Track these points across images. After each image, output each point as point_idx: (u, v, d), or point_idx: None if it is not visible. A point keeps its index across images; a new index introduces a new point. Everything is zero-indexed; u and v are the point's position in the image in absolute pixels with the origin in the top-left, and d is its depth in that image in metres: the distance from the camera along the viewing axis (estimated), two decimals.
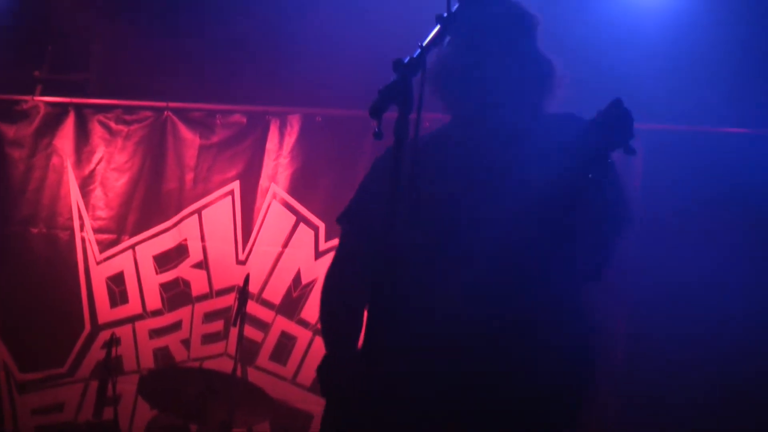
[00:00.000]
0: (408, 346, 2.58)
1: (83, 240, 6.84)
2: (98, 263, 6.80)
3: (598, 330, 2.75)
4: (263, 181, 6.68)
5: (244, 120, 6.90)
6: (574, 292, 2.72)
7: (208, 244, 6.66)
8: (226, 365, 5.85)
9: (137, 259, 6.74)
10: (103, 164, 7.00)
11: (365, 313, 2.71)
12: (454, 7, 2.48)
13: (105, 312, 6.69)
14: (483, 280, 2.57)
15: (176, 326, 6.56)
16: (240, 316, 5.33)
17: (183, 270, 6.65)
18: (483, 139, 2.83)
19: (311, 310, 6.32)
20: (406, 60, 2.29)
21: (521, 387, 2.57)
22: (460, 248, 2.64)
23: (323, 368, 2.78)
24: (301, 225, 6.54)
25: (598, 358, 2.71)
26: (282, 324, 6.38)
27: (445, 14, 2.44)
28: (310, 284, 6.40)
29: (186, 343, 6.52)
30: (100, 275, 6.78)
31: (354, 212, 2.97)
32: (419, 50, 2.33)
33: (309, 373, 6.21)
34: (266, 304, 6.42)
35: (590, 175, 2.46)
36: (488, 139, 2.82)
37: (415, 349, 2.59)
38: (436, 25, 2.42)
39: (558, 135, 2.66)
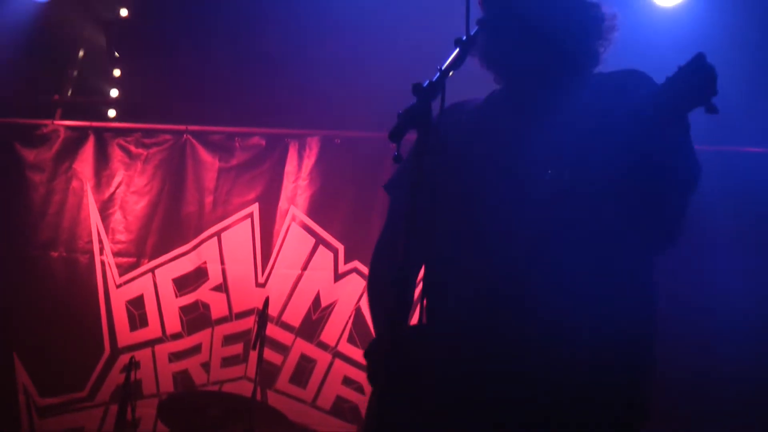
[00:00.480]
0: (462, 328, 2.50)
1: (103, 263, 6.87)
2: (118, 286, 6.82)
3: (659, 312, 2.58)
4: (282, 204, 6.71)
5: (263, 142, 6.95)
6: (645, 269, 2.59)
7: (227, 266, 6.69)
8: (245, 388, 5.84)
9: (157, 283, 6.77)
10: (122, 188, 7.05)
11: (418, 288, 2.67)
12: (473, 30, 2.46)
13: (125, 335, 6.70)
14: (541, 255, 2.46)
15: (196, 349, 6.57)
16: (259, 338, 5.34)
17: (202, 293, 6.68)
18: (539, 105, 2.74)
19: (331, 332, 6.35)
20: (426, 84, 2.27)
21: (575, 371, 2.41)
22: (518, 225, 2.51)
23: (372, 352, 2.69)
24: (321, 247, 6.56)
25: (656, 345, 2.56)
26: (301, 347, 6.39)
27: (464, 38, 2.42)
28: (330, 306, 6.41)
29: (206, 366, 6.53)
30: (119, 299, 6.80)
31: (400, 178, 2.89)
32: (438, 74, 2.31)
33: (328, 396, 6.24)
34: (286, 326, 6.43)
35: (666, 134, 2.34)
36: (545, 103, 2.73)
37: (469, 330, 2.49)
38: (455, 48, 2.39)
39: (622, 92, 2.56)
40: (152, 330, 6.70)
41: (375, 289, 2.93)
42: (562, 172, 2.48)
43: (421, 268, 2.71)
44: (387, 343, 2.35)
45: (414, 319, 2.57)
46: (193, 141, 7.05)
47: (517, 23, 2.67)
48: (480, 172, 2.68)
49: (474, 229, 2.61)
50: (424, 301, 2.59)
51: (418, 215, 2.18)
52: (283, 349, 6.40)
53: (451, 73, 2.35)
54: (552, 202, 2.47)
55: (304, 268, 6.54)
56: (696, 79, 2.24)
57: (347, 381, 6.27)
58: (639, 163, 2.38)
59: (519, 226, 2.50)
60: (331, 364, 6.30)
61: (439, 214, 2.59)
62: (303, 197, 6.69)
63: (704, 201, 5.67)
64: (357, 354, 6.22)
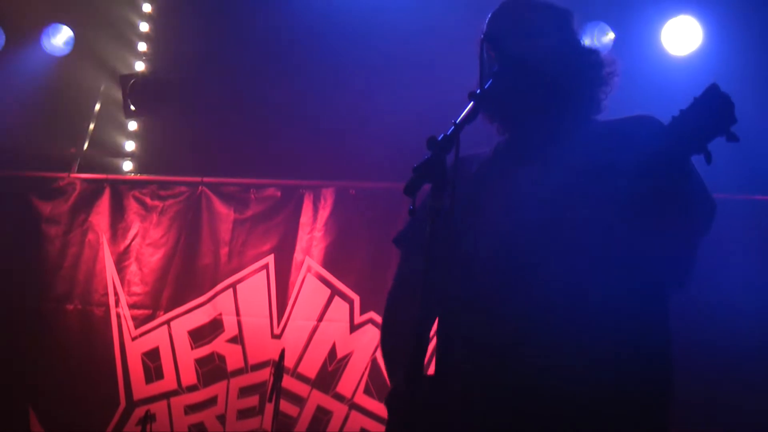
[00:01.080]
0: (478, 372, 2.53)
1: (118, 316, 6.91)
2: (133, 339, 6.86)
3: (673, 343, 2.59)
4: (298, 255, 6.76)
5: (278, 194, 7.02)
6: (658, 304, 2.59)
7: (243, 318, 6.73)
8: None
9: (172, 335, 6.81)
10: (138, 240, 7.10)
11: (431, 338, 2.70)
12: (487, 84, 2.51)
13: (140, 388, 6.73)
14: (555, 296, 2.49)
15: (212, 402, 6.59)
16: (275, 390, 5.38)
17: (218, 345, 6.71)
18: (540, 152, 2.77)
19: (347, 383, 6.35)
20: (440, 138, 2.29)
21: (595, 411, 2.44)
22: (530, 265, 2.54)
23: (391, 399, 2.71)
24: (336, 298, 6.59)
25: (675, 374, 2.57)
26: (318, 398, 6.40)
27: (478, 91, 2.46)
28: (346, 357, 6.43)
29: (221, 418, 6.54)
30: (135, 351, 6.83)
31: (410, 231, 2.93)
32: (453, 127, 2.34)
33: None
34: (302, 378, 6.45)
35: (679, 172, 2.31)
36: (546, 150, 2.76)
37: (486, 373, 2.52)
38: (470, 102, 2.42)
39: (631, 137, 2.54)
40: (168, 382, 6.72)
41: (389, 340, 2.92)
42: (563, 210, 2.54)
43: (435, 320, 2.73)
44: (405, 394, 2.38)
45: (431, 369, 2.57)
46: (209, 193, 7.12)
47: (515, 71, 2.67)
48: (482, 221, 2.70)
49: (477, 278, 2.63)
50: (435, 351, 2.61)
51: (431, 271, 2.21)
52: (299, 400, 6.41)
53: (465, 127, 2.37)
54: (555, 238, 2.52)
55: (320, 319, 6.57)
56: (714, 108, 2.21)
57: None
58: (647, 201, 2.38)
59: (543, 264, 2.53)
60: (347, 416, 6.30)
61: (449, 266, 2.56)
62: (318, 248, 6.73)
63: (736, 249, 5.78)
64: (373, 405, 6.22)
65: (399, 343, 2.78)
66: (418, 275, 2.50)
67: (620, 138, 2.61)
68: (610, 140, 2.65)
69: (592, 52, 2.89)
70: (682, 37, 6.57)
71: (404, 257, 3.01)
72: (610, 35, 6.53)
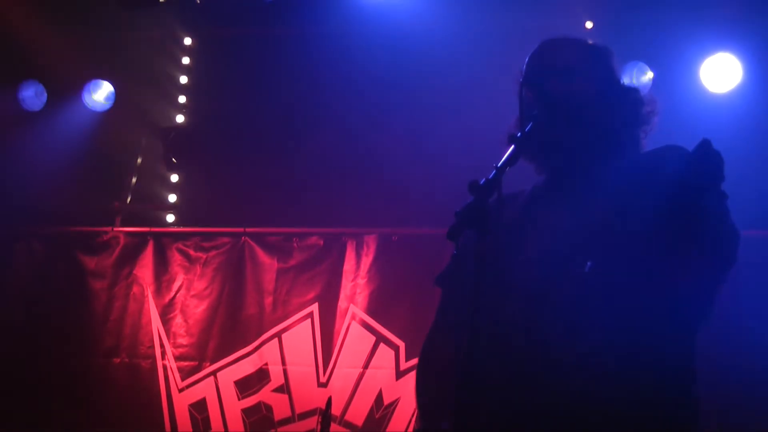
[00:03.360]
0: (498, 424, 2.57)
1: (165, 368, 7.06)
2: (180, 390, 7.00)
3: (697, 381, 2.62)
4: (342, 303, 6.90)
5: (321, 242, 7.16)
6: (684, 341, 2.62)
7: (289, 367, 6.86)
8: None
9: (219, 385, 6.94)
10: (182, 292, 7.27)
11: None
12: (527, 127, 2.57)
13: None
14: (581, 340, 2.52)
15: None
16: None
17: (264, 394, 6.84)
18: (577, 192, 2.80)
19: (395, 430, 6.45)
20: (482, 182, 2.33)
21: None
22: (559, 307, 2.58)
23: None
24: (381, 345, 6.72)
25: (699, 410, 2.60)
26: None
27: (519, 134, 2.52)
28: (393, 404, 6.54)
29: None
30: (182, 403, 6.97)
31: (451, 270, 2.98)
32: (494, 171, 2.39)
33: None
34: (349, 425, 6.56)
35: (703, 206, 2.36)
36: (583, 189, 2.79)
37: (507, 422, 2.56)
38: (510, 144, 2.48)
39: (657, 170, 2.59)
40: None
41: (423, 380, 2.96)
42: (597, 263, 2.56)
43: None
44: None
45: None
46: (252, 243, 7.27)
47: (555, 114, 2.73)
48: (518, 264, 2.73)
49: (508, 323, 2.64)
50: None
51: (477, 313, 2.27)
52: None
53: (506, 170, 2.42)
54: (590, 295, 2.55)
55: (366, 366, 6.69)
56: (705, 166, 2.31)
57: None
58: (673, 238, 2.43)
59: (554, 320, 2.57)
60: None
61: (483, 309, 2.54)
62: (362, 295, 6.86)
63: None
64: None
65: (432, 383, 2.86)
66: (456, 317, 2.68)
67: (647, 173, 2.64)
68: (640, 176, 2.67)
69: (631, 91, 2.93)
70: (721, 74, 6.67)
71: (444, 295, 3.05)
72: (649, 74, 6.66)
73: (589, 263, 2.56)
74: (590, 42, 3.04)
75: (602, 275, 2.55)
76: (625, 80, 3.00)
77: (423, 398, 2.93)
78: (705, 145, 2.33)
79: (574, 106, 2.78)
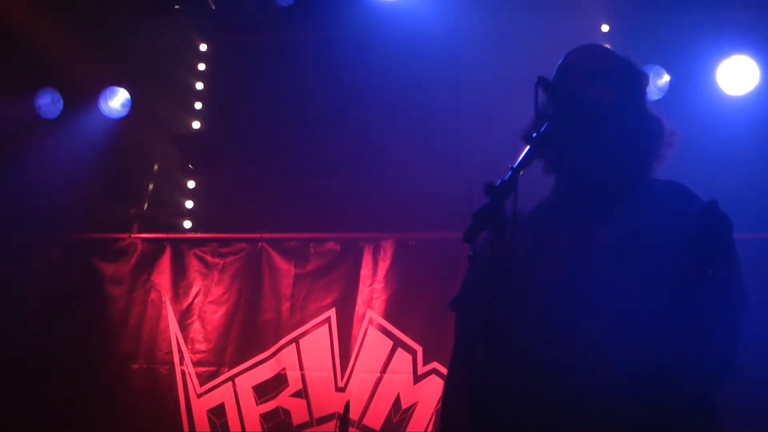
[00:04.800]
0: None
1: (183, 373, 7.15)
2: (199, 396, 7.09)
3: None
4: (359, 308, 6.97)
5: (338, 247, 7.24)
6: (705, 393, 2.64)
7: (306, 372, 6.94)
8: None
9: (237, 391, 7.03)
10: (200, 297, 7.35)
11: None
12: (543, 128, 2.56)
13: None
14: (599, 375, 2.53)
15: None
16: None
17: (282, 399, 6.92)
18: (599, 209, 2.82)
19: None
20: (498, 183, 2.34)
21: None
22: (572, 339, 2.60)
23: None
24: (399, 350, 6.79)
25: None
26: None
27: (535, 135, 2.51)
28: (410, 408, 6.61)
29: None
30: (201, 408, 7.06)
31: (466, 296, 2.98)
32: (510, 173, 2.39)
33: None
34: (367, 430, 6.62)
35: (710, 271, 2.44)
36: (600, 209, 2.81)
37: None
38: (526, 146, 2.48)
39: (670, 205, 2.70)
40: None
41: (443, 419, 2.97)
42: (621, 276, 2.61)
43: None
44: None
45: None
46: (269, 249, 7.35)
47: (580, 123, 2.73)
48: (539, 295, 2.74)
49: (530, 357, 2.66)
50: None
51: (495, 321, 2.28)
52: None
53: (522, 172, 2.42)
54: (602, 304, 2.60)
55: (383, 370, 6.76)
56: (713, 232, 2.42)
57: None
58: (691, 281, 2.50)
59: (586, 340, 2.59)
60: None
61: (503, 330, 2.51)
62: (379, 300, 6.93)
63: None
64: None
65: (457, 405, 2.87)
66: (476, 332, 2.55)
67: (663, 205, 2.75)
68: (655, 204, 2.76)
69: (655, 120, 2.92)
70: (738, 76, 6.71)
71: (459, 319, 3.04)
72: (666, 78, 6.73)
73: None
74: (630, 60, 3.02)
75: (623, 304, 2.59)
76: (651, 109, 2.99)
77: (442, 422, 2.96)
78: (712, 209, 2.42)
79: (599, 110, 2.79)
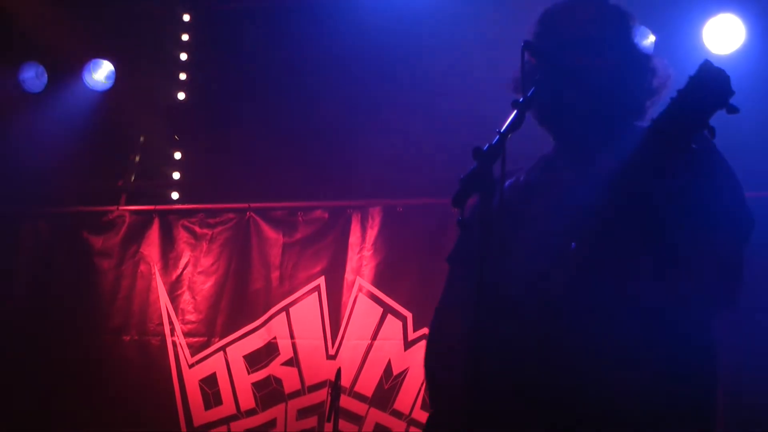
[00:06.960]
0: (508, 404, 2.56)
1: (174, 344, 7.22)
2: (190, 366, 7.16)
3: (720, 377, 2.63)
4: (348, 275, 7.02)
5: (326, 215, 7.29)
6: (698, 329, 2.60)
7: (297, 340, 7.00)
8: None
9: (228, 360, 7.10)
10: (189, 268, 7.42)
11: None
12: (530, 92, 2.58)
13: (200, 414, 7.03)
14: (586, 322, 2.50)
15: (271, 424, 6.87)
16: (333, 410, 5.63)
17: (274, 368, 6.99)
18: (593, 161, 2.79)
19: (404, 400, 6.60)
20: (486, 147, 2.38)
21: None
22: (560, 290, 2.55)
23: (429, 426, 2.84)
24: (389, 316, 6.84)
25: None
26: (376, 416, 6.65)
27: (521, 99, 2.54)
28: (402, 374, 6.67)
29: None
30: (192, 378, 7.14)
31: (461, 251, 3.00)
32: (498, 137, 2.42)
33: None
34: (359, 397, 6.70)
35: (694, 146, 2.36)
36: (596, 160, 2.78)
37: (515, 405, 2.55)
38: (513, 110, 2.51)
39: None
40: (226, 408, 7.00)
41: (433, 362, 2.96)
42: (584, 244, 2.53)
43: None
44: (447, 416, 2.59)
45: None
46: (257, 218, 7.41)
47: (568, 78, 2.75)
48: (522, 239, 2.74)
49: (506, 301, 2.62)
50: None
51: (485, 284, 2.28)
52: (357, 419, 6.65)
53: (510, 136, 2.44)
54: (579, 274, 2.53)
55: (374, 337, 6.81)
56: (710, 83, 2.32)
57: None
58: (675, 215, 2.47)
59: (551, 299, 2.55)
60: None
61: (500, 279, 2.53)
62: (368, 267, 6.98)
63: None
64: None
65: (441, 363, 2.88)
66: (466, 293, 2.53)
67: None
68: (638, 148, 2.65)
69: (645, 59, 2.90)
70: (724, 35, 6.69)
71: (452, 274, 3.06)
72: (651, 38, 6.72)
73: (573, 244, 2.54)
74: (610, 4, 2.99)
75: (595, 262, 2.52)
76: (643, 42, 2.96)
77: (433, 381, 2.95)
78: (706, 65, 2.36)
79: (583, 75, 2.78)
